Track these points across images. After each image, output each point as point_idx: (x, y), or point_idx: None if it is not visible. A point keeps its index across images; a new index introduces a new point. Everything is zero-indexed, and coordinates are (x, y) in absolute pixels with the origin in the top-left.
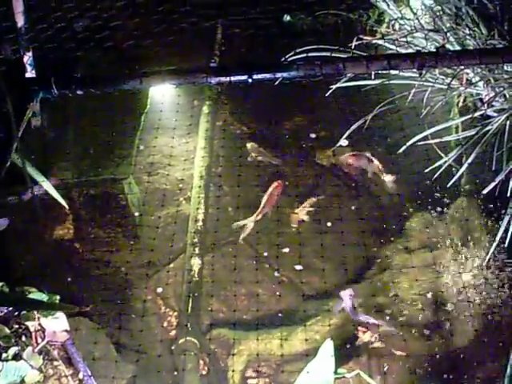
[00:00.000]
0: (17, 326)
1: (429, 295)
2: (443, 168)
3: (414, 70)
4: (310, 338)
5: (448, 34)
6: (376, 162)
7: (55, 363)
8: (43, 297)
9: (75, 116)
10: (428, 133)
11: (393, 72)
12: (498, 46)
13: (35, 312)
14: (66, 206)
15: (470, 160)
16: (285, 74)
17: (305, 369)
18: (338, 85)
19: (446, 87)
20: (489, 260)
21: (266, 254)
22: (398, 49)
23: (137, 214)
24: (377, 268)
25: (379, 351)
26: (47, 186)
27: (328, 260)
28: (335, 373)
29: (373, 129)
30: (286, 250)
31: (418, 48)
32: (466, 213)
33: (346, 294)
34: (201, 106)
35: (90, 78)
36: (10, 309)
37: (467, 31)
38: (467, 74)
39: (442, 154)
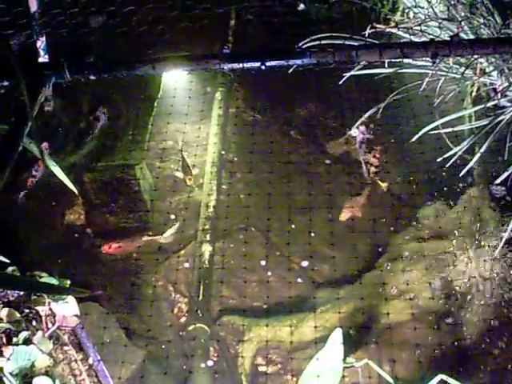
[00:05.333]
0: (27, 311)
1: (439, 284)
2: (455, 157)
3: (428, 59)
4: (319, 325)
5: (462, 23)
6: None
7: (65, 348)
8: (54, 281)
9: (88, 101)
10: (441, 122)
11: (406, 61)
12: None
13: (46, 297)
14: (76, 192)
15: (482, 150)
16: (298, 62)
17: (314, 356)
18: (352, 73)
19: (459, 76)
20: (500, 250)
21: (276, 241)
22: (412, 37)
23: (148, 199)
24: (388, 256)
25: (389, 340)
26: (57, 171)
27: (339, 248)
28: (344, 361)
29: (385, 117)
30: (297, 237)
31: (431, 37)
32: (477, 202)
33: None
34: (214, 92)
35: (103, 64)
36: (21, 293)
37: (482, 20)
38: (481, 63)
39: (451, 145)
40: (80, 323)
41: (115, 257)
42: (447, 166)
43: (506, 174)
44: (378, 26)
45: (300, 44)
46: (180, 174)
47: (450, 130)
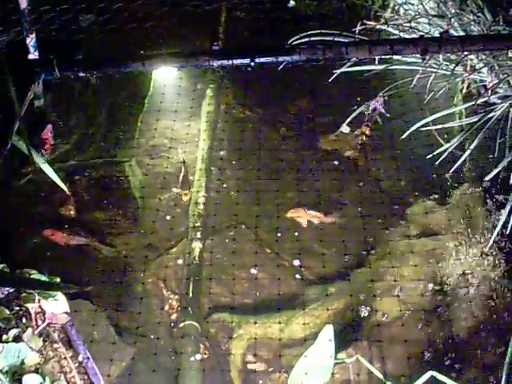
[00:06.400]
0: (17, 308)
1: (429, 281)
2: (446, 154)
3: (418, 56)
4: (309, 322)
5: (452, 20)
6: None
7: (55, 345)
8: (43, 279)
9: (78, 98)
10: (431, 119)
11: (396, 57)
12: (503, 32)
13: (35, 294)
14: (66, 190)
15: (472, 146)
16: (287, 58)
17: (304, 353)
18: (342, 70)
19: (449, 73)
20: (490, 247)
21: (266, 238)
22: (402, 34)
23: (138, 196)
24: (377, 253)
25: (379, 337)
26: (46, 168)
27: (328, 245)
28: (335, 358)
29: (375, 114)
30: (286, 233)
31: (421, 33)
32: (467, 199)
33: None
34: (204, 89)
35: (93, 61)
36: (11, 291)
37: (472, 17)
38: (471, 60)
39: (442, 142)
40: (70, 320)
41: (105, 254)
42: (437, 162)
43: (495, 171)
44: (368, 22)
45: (290, 41)
46: (177, 189)
47: (440, 126)
